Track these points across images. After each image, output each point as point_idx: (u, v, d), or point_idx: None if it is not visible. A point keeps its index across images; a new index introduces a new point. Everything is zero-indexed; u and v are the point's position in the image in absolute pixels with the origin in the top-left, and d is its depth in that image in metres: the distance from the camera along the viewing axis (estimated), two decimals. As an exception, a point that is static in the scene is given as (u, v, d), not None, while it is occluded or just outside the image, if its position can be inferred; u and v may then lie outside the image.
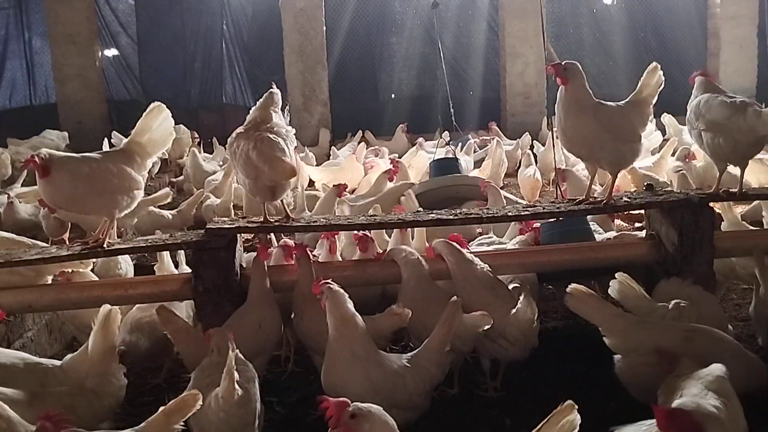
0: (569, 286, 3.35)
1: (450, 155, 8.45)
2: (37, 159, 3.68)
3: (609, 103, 4.20)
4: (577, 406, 2.15)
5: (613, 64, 15.20)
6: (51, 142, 10.31)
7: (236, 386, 2.66)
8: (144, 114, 3.96)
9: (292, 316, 3.85)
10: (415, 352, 3.26)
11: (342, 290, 3.21)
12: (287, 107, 13.82)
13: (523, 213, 4.22)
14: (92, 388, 3.03)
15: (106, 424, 3.03)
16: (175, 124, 4.14)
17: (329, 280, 3.24)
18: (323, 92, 13.36)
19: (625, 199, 4.35)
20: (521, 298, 3.57)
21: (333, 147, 11.16)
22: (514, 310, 3.56)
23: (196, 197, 7.29)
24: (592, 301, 3.33)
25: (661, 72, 4.19)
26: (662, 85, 4.19)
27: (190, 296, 3.94)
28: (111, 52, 14.51)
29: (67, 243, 5.20)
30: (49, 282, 4.16)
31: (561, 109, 4.11)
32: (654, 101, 4.21)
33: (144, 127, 3.95)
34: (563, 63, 4.10)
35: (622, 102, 4.22)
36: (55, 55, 13.19)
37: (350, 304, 3.20)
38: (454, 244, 4.00)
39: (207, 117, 13.77)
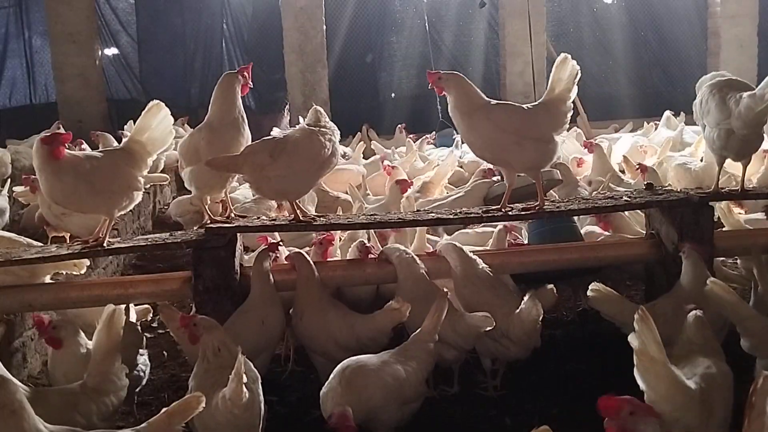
0: (708, 288, 3.30)
1: None
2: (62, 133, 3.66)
3: (511, 103, 4.09)
4: None
5: (613, 63, 15.21)
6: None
7: (244, 388, 2.67)
8: (143, 112, 3.94)
9: (291, 314, 3.86)
10: (402, 345, 3.34)
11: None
12: (287, 106, 13.87)
13: (523, 213, 4.22)
14: (94, 387, 3.03)
15: (108, 423, 3.04)
16: (175, 122, 4.14)
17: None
18: (323, 91, 13.35)
19: (625, 198, 4.36)
20: (526, 297, 3.58)
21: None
22: (518, 310, 3.57)
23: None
24: (731, 298, 3.29)
25: (574, 62, 3.94)
26: (578, 76, 3.93)
27: (191, 295, 3.94)
28: (111, 51, 14.51)
29: (67, 242, 5.20)
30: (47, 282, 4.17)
31: (453, 117, 4.00)
32: (572, 96, 3.95)
33: (143, 126, 3.93)
34: (441, 73, 3.96)
35: (536, 102, 4.06)
36: (55, 54, 13.17)
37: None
38: (456, 244, 4.01)
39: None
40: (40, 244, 4.52)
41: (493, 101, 4.00)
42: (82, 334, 3.48)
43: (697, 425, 2.61)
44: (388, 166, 7.79)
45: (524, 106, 4.03)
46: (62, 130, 10.23)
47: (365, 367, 3.12)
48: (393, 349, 3.33)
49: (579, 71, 3.93)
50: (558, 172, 6.77)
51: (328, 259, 4.38)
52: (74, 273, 4.30)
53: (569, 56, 3.94)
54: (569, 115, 3.98)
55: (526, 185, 6.15)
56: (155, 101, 3.97)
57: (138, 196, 3.96)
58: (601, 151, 7.39)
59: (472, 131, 3.94)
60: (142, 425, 2.45)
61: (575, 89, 3.95)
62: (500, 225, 4.62)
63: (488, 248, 4.60)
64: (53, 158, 3.61)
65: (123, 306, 3.49)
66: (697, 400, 2.61)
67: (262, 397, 2.94)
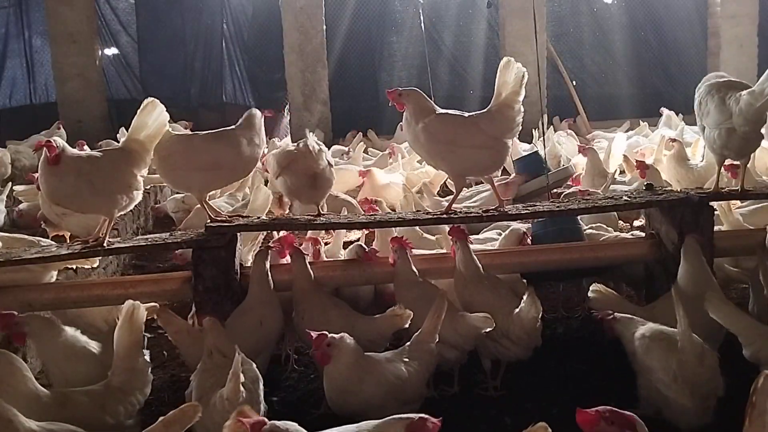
0: (706, 302, 3.31)
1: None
2: (53, 144, 3.67)
3: (453, 112, 4.09)
4: (550, 430, 2.17)
5: (613, 63, 15.20)
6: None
7: (241, 387, 2.67)
8: (138, 111, 3.94)
9: (293, 315, 3.86)
10: (405, 346, 3.35)
11: (345, 340, 3.14)
12: (287, 106, 13.85)
13: (523, 212, 4.22)
14: (119, 385, 3.02)
15: (135, 420, 3.03)
16: (175, 122, 4.15)
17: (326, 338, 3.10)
18: (323, 91, 13.36)
19: (625, 198, 4.36)
20: (525, 297, 3.59)
21: (339, 146, 11.19)
22: (517, 310, 3.57)
23: None
24: (729, 310, 3.31)
25: (519, 65, 3.97)
26: (525, 78, 3.94)
27: (190, 295, 3.94)
28: (111, 51, 14.51)
29: (68, 241, 5.21)
30: (54, 277, 4.20)
31: (404, 128, 4.16)
32: (520, 98, 3.97)
33: (140, 124, 3.95)
34: (399, 90, 4.09)
35: (485, 110, 4.07)
36: (56, 54, 13.18)
37: (353, 344, 3.17)
38: (466, 241, 4.03)
39: (207, 116, 13.77)
40: (54, 242, 4.55)
41: (441, 111, 4.05)
42: (65, 329, 3.41)
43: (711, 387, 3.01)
44: (362, 170, 7.85)
45: (466, 114, 4.08)
46: (63, 131, 10.33)
47: (370, 365, 3.14)
48: (395, 350, 3.35)
49: (525, 73, 3.95)
50: (572, 167, 6.99)
51: (328, 260, 4.40)
52: (86, 267, 4.33)
53: (512, 59, 4.00)
54: (519, 119, 4.01)
55: (540, 188, 6.26)
56: (149, 99, 3.97)
57: (138, 196, 3.97)
58: (596, 155, 7.50)
59: (413, 138, 4.08)
60: None
61: (523, 92, 3.97)
62: (514, 225, 4.71)
63: (488, 248, 4.60)
64: (50, 164, 3.66)
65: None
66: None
67: (262, 398, 2.94)
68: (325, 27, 13.23)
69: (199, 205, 6.47)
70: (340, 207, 6.56)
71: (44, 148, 3.65)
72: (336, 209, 6.40)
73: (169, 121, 4.05)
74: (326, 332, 3.04)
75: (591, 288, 3.72)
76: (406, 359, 3.24)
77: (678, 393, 2.99)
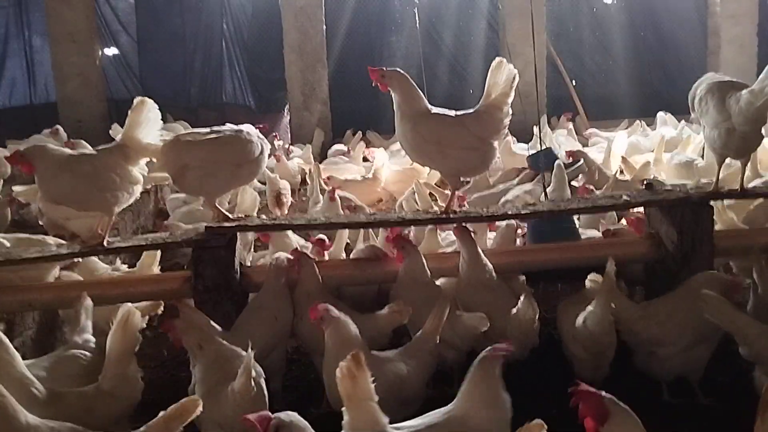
0: (702, 302, 3.27)
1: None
2: (18, 155, 3.77)
3: (442, 111, 4.02)
4: (546, 427, 2.21)
5: (613, 63, 15.21)
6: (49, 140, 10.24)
7: (252, 382, 2.69)
8: (131, 110, 4.04)
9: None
10: (407, 346, 3.36)
11: (342, 316, 3.17)
12: (287, 106, 13.84)
13: (522, 212, 4.22)
14: (109, 390, 3.00)
15: (122, 425, 3.02)
16: (176, 122, 4.18)
17: (328, 306, 3.17)
18: (323, 91, 13.35)
19: (625, 197, 4.36)
20: (522, 297, 3.59)
21: (339, 146, 11.21)
22: (514, 310, 3.58)
23: None
24: (725, 308, 3.29)
25: (510, 66, 3.94)
26: (516, 79, 3.93)
27: (190, 295, 3.95)
28: (111, 51, 14.51)
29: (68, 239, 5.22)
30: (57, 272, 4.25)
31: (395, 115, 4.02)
32: (510, 100, 3.96)
33: (133, 123, 4.00)
34: (383, 70, 3.96)
35: (471, 109, 4.05)
36: (55, 54, 13.16)
37: (352, 327, 3.19)
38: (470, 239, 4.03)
39: (207, 116, 13.76)
40: (64, 242, 4.56)
41: (430, 108, 4.00)
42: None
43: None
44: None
45: (454, 113, 4.03)
46: (62, 132, 10.26)
47: (369, 360, 3.12)
48: (396, 349, 3.35)
49: (516, 75, 3.93)
50: (584, 164, 7.18)
51: (336, 259, 4.41)
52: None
53: (504, 60, 3.95)
54: (506, 120, 3.99)
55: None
56: (139, 98, 4.09)
57: (137, 190, 4.01)
58: (586, 155, 7.57)
59: (402, 136, 4.03)
60: (140, 429, 2.44)
61: (512, 94, 3.96)
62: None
63: (488, 248, 4.60)
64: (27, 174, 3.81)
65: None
66: None
67: (266, 394, 2.96)
68: (325, 27, 13.22)
69: (194, 204, 6.52)
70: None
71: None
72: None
73: (168, 121, 4.10)
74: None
75: (588, 278, 3.71)
76: (407, 359, 3.24)
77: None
